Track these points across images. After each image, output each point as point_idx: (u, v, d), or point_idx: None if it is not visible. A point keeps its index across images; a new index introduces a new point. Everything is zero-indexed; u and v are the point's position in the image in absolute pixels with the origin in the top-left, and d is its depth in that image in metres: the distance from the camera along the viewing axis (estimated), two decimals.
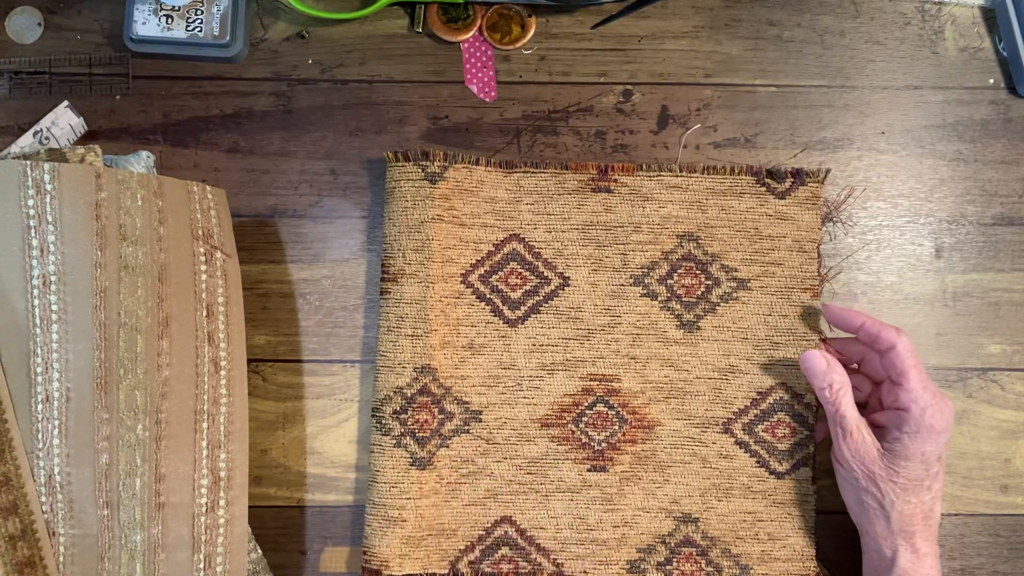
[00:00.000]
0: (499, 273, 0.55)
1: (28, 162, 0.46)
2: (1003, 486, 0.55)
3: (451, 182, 0.55)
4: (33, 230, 0.45)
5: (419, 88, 0.58)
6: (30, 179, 0.45)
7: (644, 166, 0.55)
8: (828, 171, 0.55)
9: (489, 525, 0.54)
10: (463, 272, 0.55)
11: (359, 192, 0.57)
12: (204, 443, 0.49)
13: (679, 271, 0.55)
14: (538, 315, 0.55)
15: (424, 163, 0.54)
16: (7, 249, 0.45)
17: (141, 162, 0.52)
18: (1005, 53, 0.58)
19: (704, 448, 0.54)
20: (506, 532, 0.54)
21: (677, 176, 0.55)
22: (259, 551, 0.53)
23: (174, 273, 0.49)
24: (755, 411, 0.54)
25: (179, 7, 0.56)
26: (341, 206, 0.57)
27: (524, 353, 0.55)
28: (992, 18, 0.58)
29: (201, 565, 0.48)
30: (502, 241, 0.55)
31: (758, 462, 0.54)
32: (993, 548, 0.55)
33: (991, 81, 0.58)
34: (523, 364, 0.55)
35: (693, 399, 0.55)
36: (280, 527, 0.55)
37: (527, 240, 0.55)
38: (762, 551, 0.53)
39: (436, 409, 0.53)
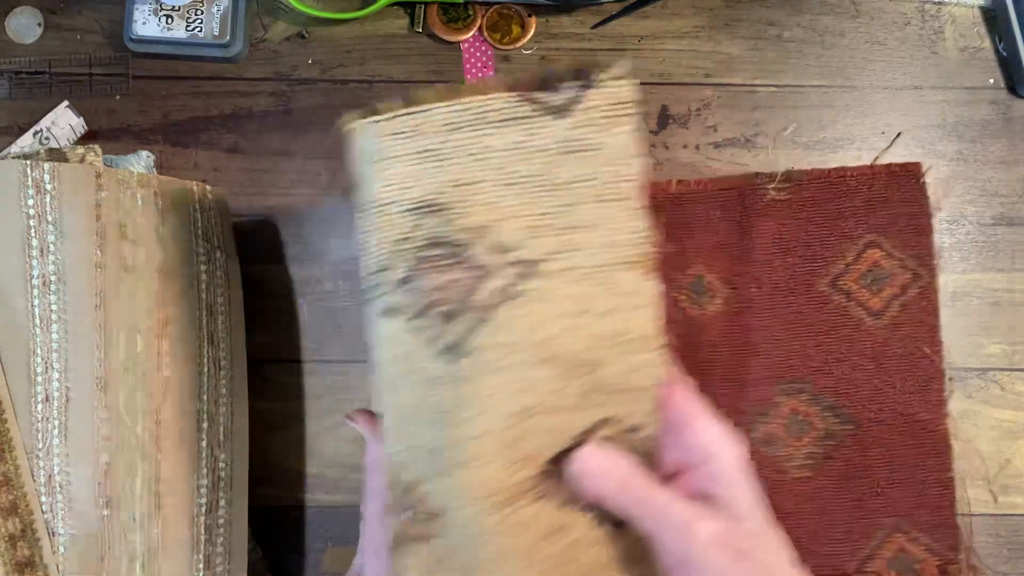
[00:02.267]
0: None
1: (28, 162, 0.46)
2: (1003, 486, 0.55)
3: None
4: (33, 230, 0.45)
5: (419, 88, 0.58)
6: (30, 179, 0.45)
7: (379, 109, 0.34)
8: (628, 69, 0.34)
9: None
10: None
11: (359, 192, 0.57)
12: (204, 443, 0.49)
13: (423, 266, 0.33)
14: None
15: None
16: (7, 249, 0.45)
17: (141, 162, 0.52)
18: (1005, 53, 0.58)
19: (520, 536, 0.34)
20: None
21: (395, 117, 0.34)
22: (259, 551, 0.53)
23: (174, 273, 0.49)
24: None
25: (179, 7, 0.56)
26: (341, 206, 0.57)
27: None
28: (992, 18, 0.58)
29: (201, 565, 0.48)
30: None
31: (596, 518, 0.35)
32: (993, 548, 0.55)
33: (991, 81, 0.58)
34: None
35: (482, 467, 0.33)
36: (280, 527, 0.55)
37: None
38: None
39: None
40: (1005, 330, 0.56)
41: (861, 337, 0.55)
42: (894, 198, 0.55)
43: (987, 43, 0.58)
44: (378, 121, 0.34)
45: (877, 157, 0.57)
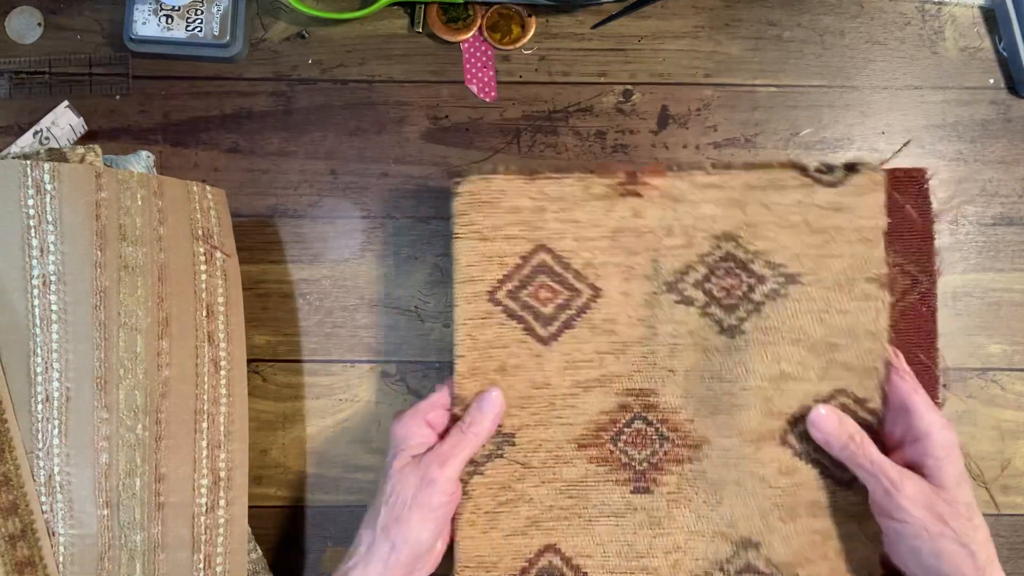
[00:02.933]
0: (529, 287, 0.51)
1: (28, 162, 0.46)
2: (1003, 486, 0.55)
3: (466, 196, 0.51)
4: (33, 230, 0.45)
5: (419, 88, 0.58)
6: (30, 179, 0.45)
7: (675, 167, 0.51)
8: (884, 161, 0.52)
9: (532, 555, 0.50)
10: (489, 290, 0.51)
11: (359, 192, 0.57)
12: (204, 443, 0.49)
13: (717, 273, 0.50)
14: (572, 330, 0.51)
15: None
16: (7, 249, 0.45)
17: (141, 162, 0.52)
18: (1005, 53, 0.58)
19: (761, 467, 0.49)
20: (551, 562, 0.50)
21: (710, 175, 0.50)
22: (259, 551, 0.53)
23: (174, 273, 0.49)
24: None
25: (179, 7, 0.56)
26: (341, 206, 0.57)
27: (558, 371, 0.50)
28: (992, 18, 0.58)
29: (201, 565, 0.48)
30: (530, 253, 0.51)
31: (822, 472, 0.49)
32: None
33: (991, 81, 0.58)
34: (557, 383, 0.50)
35: (742, 412, 0.49)
36: (280, 527, 0.55)
37: (555, 250, 0.51)
38: (831, 568, 0.49)
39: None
40: (1005, 330, 0.56)
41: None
42: (897, 203, 0.55)
43: (987, 43, 0.58)
44: (689, 173, 0.51)
45: (883, 162, 0.57)
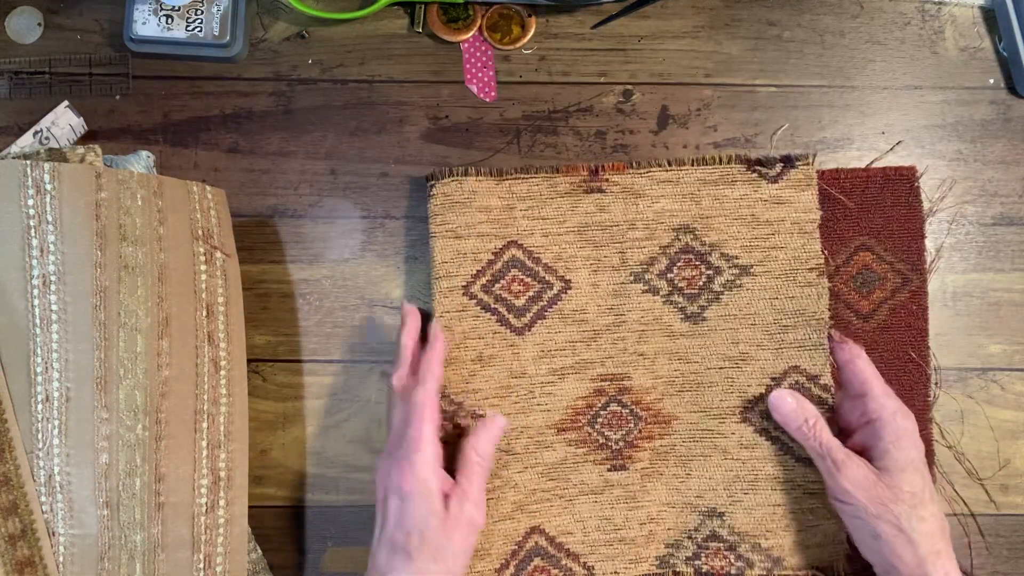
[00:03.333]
0: (501, 281, 0.54)
1: (28, 162, 0.46)
2: (1003, 486, 0.55)
3: (440, 196, 0.54)
4: (33, 230, 0.45)
5: (419, 88, 0.58)
6: (30, 179, 0.45)
7: (634, 163, 0.55)
8: (815, 154, 0.54)
9: (520, 538, 0.53)
10: (464, 284, 0.54)
11: (359, 192, 0.57)
12: (204, 443, 0.49)
13: (678, 264, 0.54)
14: (544, 320, 0.54)
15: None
16: (7, 249, 0.45)
17: (141, 162, 0.52)
18: (1005, 53, 0.58)
19: (724, 439, 0.53)
20: (536, 543, 0.53)
21: (667, 170, 0.55)
22: (259, 551, 0.53)
23: (174, 273, 0.49)
24: None
25: (179, 7, 0.56)
26: (341, 206, 0.57)
27: (534, 360, 0.54)
28: (992, 18, 0.58)
29: (201, 565, 0.48)
30: (501, 249, 0.54)
31: (780, 448, 0.53)
32: (993, 548, 0.55)
33: (991, 81, 0.58)
34: (533, 371, 0.54)
35: (707, 390, 0.54)
36: (280, 527, 0.55)
37: (525, 246, 0.54)
38: (793, 541, 0.52)
39: (450, 426, 0.52)
40: (1005, 330, 0.56)
41: (848, 339, 0.55)
42: (888, 201, 0.55)
43: (987, 43, 0.58)
44: (649, 171, 0.55)
45: (873, 161, 0.57)
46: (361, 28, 0.58)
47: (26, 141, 0.55)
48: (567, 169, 0.55)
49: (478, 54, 0.58)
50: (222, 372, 0.50)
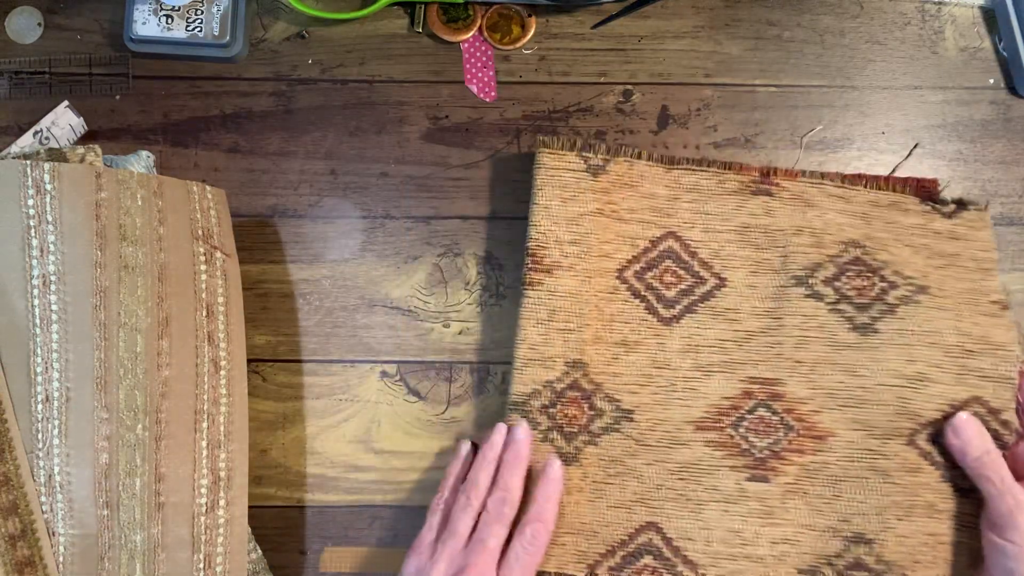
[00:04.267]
0: (655, 270, 0.53)
1: (28, 162, 0.46)
2: None
3: (612, 175, 0.54)
4: (33, 230, 0.45)
5: (419, 88, 0.58)
6: (30, 179, 0.45)
7: (807, 172, 0.54)
8: (987, 203, 0.54)
9: (633, 530, 0.51)
10: (618, 268, 0.53)
11: (359, 192, 0.57)
12: (204, 443, 0.49)
13: (848, 273, 0.52)
14: (694, 315, 0.53)
15: (587, 154, 0.54)
16: (7, 249, 0.45)
17: (141, 162, 0.52)
18: (1005, 53, 0.58)
19: (885, 461, 0.50)
20: (651, 539, 0.50)
21: (840, 187, 0.54)
22: (259, 551, 0.53)
23: (174, 273, 0.49)
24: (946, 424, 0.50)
25: (179, 7, 0.56)
26: (341, 206, 0.57)
27: (679, 353, 0.52)
28: (992, 18, 0.58)
29: (201, 565, 0.48)
30: (659, 238, 0.53)
31: (943, 476, 0.49)
32: None
33: (991, 81, 0.58)
34: (678, 364, 0.52)
35: (873, 407, 0.50)
36: (280, 527, 0.55)
37: (684, 238, 0.53)
38: (936, 574, 0.49)
39: (586, 405, 0.52)
40: None
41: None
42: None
43: (987, 43, 0.58)
44: (821, 183, 0.54)
45: (894, 169, 0.57)
46: (361, 28, 0.58)
47: (26, 141, 0.55)
48: (738, 167, 0.54)
49: (478, 54, 0.58)
50: (222, 372, 0.50)
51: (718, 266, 0.53)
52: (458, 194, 0.57)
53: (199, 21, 0.56)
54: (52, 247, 0.45)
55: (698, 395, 0.52)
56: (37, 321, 0.45)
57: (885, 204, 0.54)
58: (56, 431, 0.45)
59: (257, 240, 0.56)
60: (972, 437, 0.48)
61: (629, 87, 0.58)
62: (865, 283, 0.52)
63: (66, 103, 0.56)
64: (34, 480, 0.45)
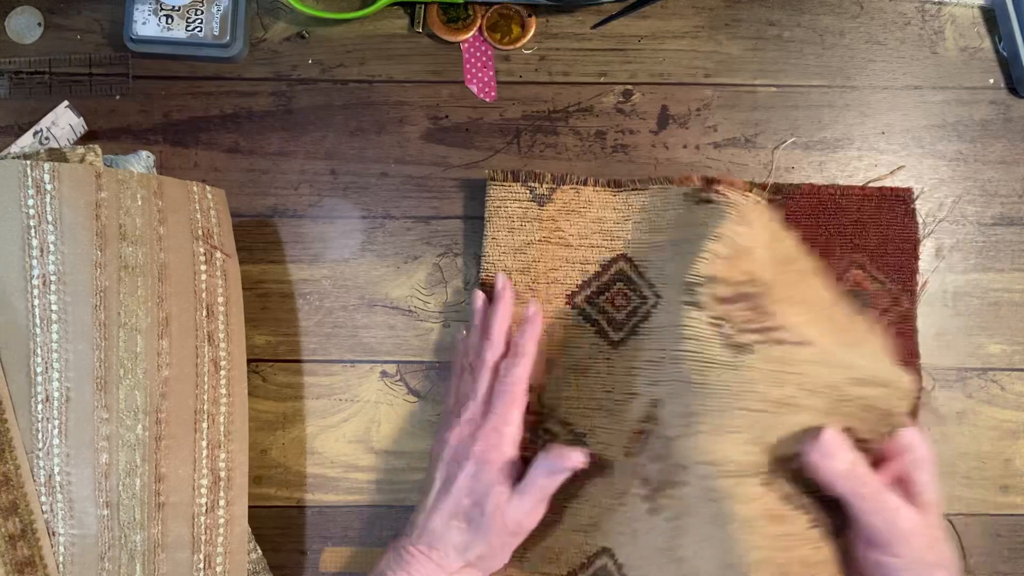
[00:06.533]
0: (606, 294, 0.54)
1: (28, 162, 0.46)
2: (1003, 486, 0.55)
3: (558, 203, 0.54)
4: (33, 230, 0.45)
5: (419, 88, 0.58)
6: (30, 179, 0.45)
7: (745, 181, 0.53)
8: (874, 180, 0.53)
9: (592, 554, 0.51)
10: (569, 293, 0.54)
11: (359, 192, 0.57)
12: (204, 443, 0.49)
13: (740, 298, 0.48)
14: (636, 336, 0.52)
15: (532, 184, 0.54)
16: (7, 249, 0.45)
17: (141, 162, 0.52)
18: (1005, 53, 0.58)
19: (744, 507, 0.45)
20: (606, 565, 0.50)
21: (763, 195, 0.53)
22: (259, 551, 0.53)
23: (174, 273, 0.49)
24: None
25: (179, 7, 0.56)
26: (341, 206, 0.57)
27: (622, 376, 0.52)
28: (992, 18, 0.58)
29: (201, 565, 0.48)
30: (610, 261, 0.54)
31: (810, 523, 0.46)
32: (993, 548, 0.55)
33: (991, 81, 0.58)
34: (620, 387, 0.52)
35: (727, 437, 0.46)
36: (280, 527, 0.55)
37: (634, 259, 0.54)
38: None
39: (541, 430, 0.52)
40: (1005, 330, 0.56)
41: None
42: (883, 221, 0.55)
43: (987, 43, 0.58)
44: (759, 202, 0.51)
45: (870, 182, 0.57)
46: (361, 28, 0.58)
47: (26, 141, 0.55)
48: (680, 179, 0.54)
49: (478, 54, 0.58)
50: (222, 372, 0.50)
51: (660, 284, 0.53)
52: (458, 194, 0.57)
53: (199, 21, 0.56)
54: (52, 247, 0.45)
55: (628, 419, 0.51)
56: (37, 321, 0.45)
57: (801, 268, 0.52)
58: (56, 431, 0.45)
59: (257, 240, 0.56)
60: (837, 451, 0.43)
61: (629, 87, 0.58)
62: (752, 315, 0.47)
63: (66, 103, 0.56)
64: (34, 480, 0.45)
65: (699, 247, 0.49)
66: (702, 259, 0.48)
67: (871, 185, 0.56)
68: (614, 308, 0.53)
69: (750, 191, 0.51)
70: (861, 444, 0.46)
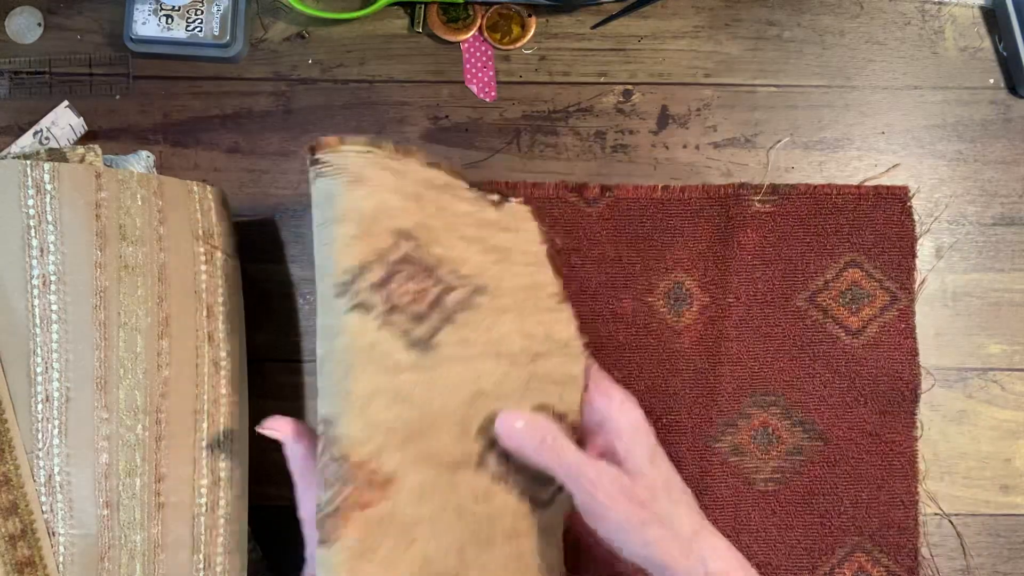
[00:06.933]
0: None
1: (28, 162, 0.46)
2: (1003, 486, 0.55)
3: None
4: (33, 230, 0.45)
5: (419, 88, 0.58)
6: (30, 179, 0.45)
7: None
8: (524, 199, 0.49)
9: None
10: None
11: None
12: (204, 443, 0.49)
13: (398, 275, 0.41)
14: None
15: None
16: (7, 249, 0.45)
17: (141, 162, 0.52)
18: (1005, 53, 0.58)
19: (456, 496, 0.41)
20: None
21: (396, 159, 0.43)
22: (259, 551, 0.53)
23: (174, 273, 0.49)
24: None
25: (179, 7, 0.56)
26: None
27: None
28: (992, 18, 0.58)
29: (201, 565, 0.48)
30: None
31: (520, 495, 0.43)
32: (993, 548, 0.55)
33: (991, 81, 0.58)
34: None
35: (436, 438, 0.41)
36: (280, 527, 0.55)
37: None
38: None
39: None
40: (1005, 330, 0.56)
41: (836, 355, 0.55)
42: (879, 219, 0.55)
43: (987, 43, 0.58)
44: (369, 151, 0.42)
45: (866, 180, 0.57)
46: (361, 28, 0.58)
47: (26, 141, 0.55)
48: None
49: (478, 54, 0.58)
50: (222, 372, 0.50)
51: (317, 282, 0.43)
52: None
53: (199, 21, 0.56)
54: (52, 247, 0.45)
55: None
56: (37, 321, 0.45)
57: (440, 185, 0.44)
58: (56, 431, 0.45)
59: (257, 240, 0.56)
60: (520, 435, 0.42)
61: (629, 87, 0.58)
62: (419, 287, 0.41)
63: (66, 103, 0.56)
64: (34, 480, 0.45)
65: (329, 236, 0.41)
66: (340, 251, 0.40)
67: (867, 184, 0.56)
68: None
69: (342, 143, 0.41)
70: (560, 419, 0.44)
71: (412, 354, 0.41)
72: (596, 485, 0.41)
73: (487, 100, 0.58)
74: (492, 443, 0.43)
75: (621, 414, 0.44)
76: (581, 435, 0.45)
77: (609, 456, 0.43)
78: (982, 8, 0.58)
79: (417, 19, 0.58)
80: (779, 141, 0.57)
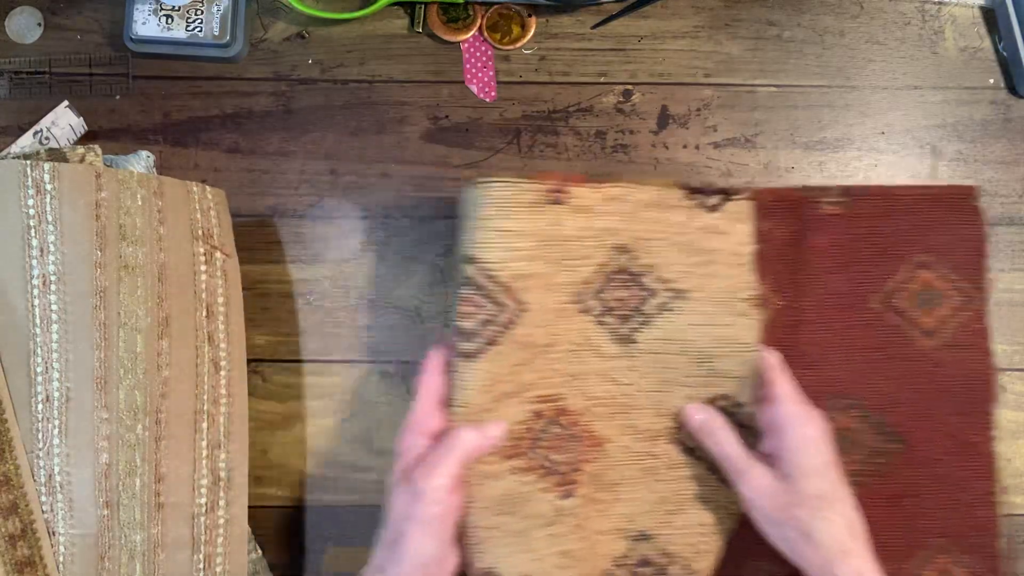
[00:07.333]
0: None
1: (28, 162, 0.46)
2: (1003, 486, 0.55)
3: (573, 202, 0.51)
4: (33, 230, 0.45)
5: (419, 88, 0.58)
6: (30, 179, 0.45)
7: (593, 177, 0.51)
8: (752, 191, 0.52)
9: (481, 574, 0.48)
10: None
11: (359, 192, 0.57)
12: (204, 443, 0.49)
13: (612, 285, 0.51)
14: (496, 347, 0.48)
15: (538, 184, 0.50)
16: (7, 249, 0.45)
17: (141, 162, 0.52)
18: (1005, 53, 0.58)
19: (654, 460, 0.51)
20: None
21: (615, 187, 0.50)
22: (259, 551, 0.53)
23: (174, 273, 0.49)
24: None
25: (179, 7, 0.56)
26: (341, 206, 0.57)
27: (479, 390, 0.48)
28: (992, 18, 0.58)
29: (201, 565, 0.48)
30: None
31: (709, 469, 0.51)
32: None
33: (991, 81, 0.58)
34: (476, 401, 0.48)
35: (636, 412, 0.51)
36: (280, 527, 0.55)
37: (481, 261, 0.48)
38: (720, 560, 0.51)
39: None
40: (1005, 330, 0.56)
41: (913, 356, 0.54)
42: (949, 220, 0.55)
43: (987, 43, 0.58)
44: (598, 189, 0.51)
45: (931, 178, 0.57)
46: (361, 28, 0.58)
47: (26, 141, 0.55)
48: (533, 176, 0.49)
49: (478, 54, 0.58)
50: (222, 372, 0.50)
51: (518, 289, 0.48)
52: (458, 194, 0.57)
53: (199, 21, 0.56)
54: (52, 247, 0.45)
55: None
56: (37, 321, 0.45)
57: (653, 203, 0.51)
58: (56, 431, 0.45)
59: (257, 240, 0.56)
60: (696, 424, 0.50)
61: (629, 87, 0.58)
62: (626, 294, 0.51)
63: (66, 103, 0.56)
64: (34, 480, 0.45)
65: (566, 253, 0.50)
66: (575, 266, 0.50)
67: (933, 184, 0.56)
68: (462, 317, 0.48)
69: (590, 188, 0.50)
70: (738, 407, 0.51)
71: (615, 347, 0.51)
72: (742, 476, 0.47)
73: (487, 100, 0.58)
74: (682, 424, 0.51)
75: (797, 425, 0.48)
76: (757, 429, 0.50)
77: (775, 456, 0.48)
78: (982, 8, 0.58)
79: (417, 19, 0.58)
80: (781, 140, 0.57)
